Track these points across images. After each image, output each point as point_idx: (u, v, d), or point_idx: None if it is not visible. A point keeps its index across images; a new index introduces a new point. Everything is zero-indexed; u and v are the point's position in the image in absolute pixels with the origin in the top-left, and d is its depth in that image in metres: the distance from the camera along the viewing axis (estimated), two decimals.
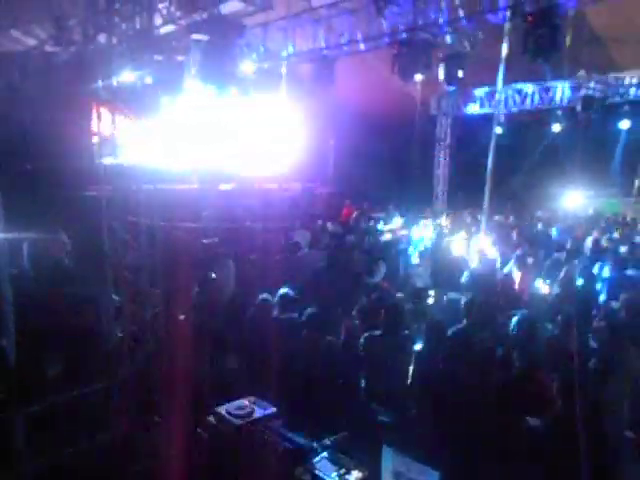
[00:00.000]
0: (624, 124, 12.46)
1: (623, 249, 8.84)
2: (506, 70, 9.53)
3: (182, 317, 4.68)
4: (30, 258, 5.18)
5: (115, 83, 4.59)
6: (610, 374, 3.76)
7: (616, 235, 10.84)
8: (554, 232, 11.19)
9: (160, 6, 6.28)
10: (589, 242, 9.54)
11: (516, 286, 6.89)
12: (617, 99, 12.14)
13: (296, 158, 11.70)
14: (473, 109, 15.02)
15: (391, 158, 14.83)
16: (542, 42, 5.73)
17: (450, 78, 7.37)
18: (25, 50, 9.14)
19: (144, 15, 5.17)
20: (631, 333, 4.65)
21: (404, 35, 7.05)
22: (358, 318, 5.21)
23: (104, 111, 4.55)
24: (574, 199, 14.67)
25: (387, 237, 10.13)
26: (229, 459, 3.26)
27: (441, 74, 7.53)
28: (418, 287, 7.49)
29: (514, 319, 4.66)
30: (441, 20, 6.82)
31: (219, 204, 9.39)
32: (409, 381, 4.43)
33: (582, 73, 11.32)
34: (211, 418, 3.46)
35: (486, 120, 13.33)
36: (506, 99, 13.66)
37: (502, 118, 13.12)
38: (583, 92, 11.54)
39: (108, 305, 4.56)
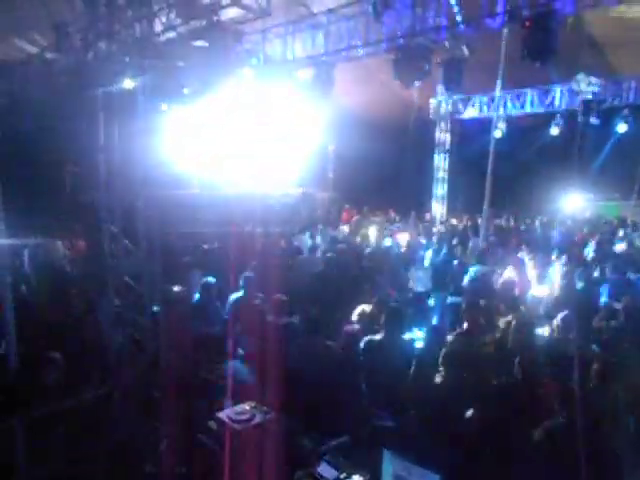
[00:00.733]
0: (622, 127, 12.50)
1: (622, 251, 8.85)
2: (504, 75, 9.57)
3: (181, 323, 4.69)
4: (31, 263, 5.21)
5: (115, 89, 4.62)
6: (611, 379, 3.73)
7: (617, 238, 10.86)
8: (554, 235, 11.22)
9: (159, 13, 6.33)
10: (590, 245, 9.55)
11: (516, 290, 6.89)
12: (616, 103, 12.20)
13: (296, 163, 11.72)
14: (472, 113, 15.06)
15: (390, 163, 14.88)
16: (539, 46, 5.78)
17: (449, 83, 7.40)
18: (26, 57, 9.20)
19: (144, 22, 5.22)
20: (631, 337, 4.66)
21: (402, 41, 7.08)
22: (358, 322, 5.21)
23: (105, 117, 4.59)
24: (574, 202, 14.68)
25: (387, 242, 10.15)
26: (230, 464, 3.26)
27: (439, 79, 7.56)
28: (418, 291, 7.52)
29: (513, 322, 4.66)
30: (439, 25, 6.85)
31: (219, 209, 9.41)
32: (409, 385, 4.42)
33: (581, 77, 11.35)
34: (212, 423, 3.47)
35: (485, 124, 13.39)
36: (505, 103, 13.70)
37: (501, 122, 13.18)
38: (582, 96, 11.58)
39: (108, 310, 4.57)
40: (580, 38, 8.64)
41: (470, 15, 6.72)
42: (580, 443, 3.12)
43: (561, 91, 12.88)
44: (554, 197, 14.91)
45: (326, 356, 4.46)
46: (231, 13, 6.59)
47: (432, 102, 15.53)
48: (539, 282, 7.28)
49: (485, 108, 14.61)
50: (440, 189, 16.13)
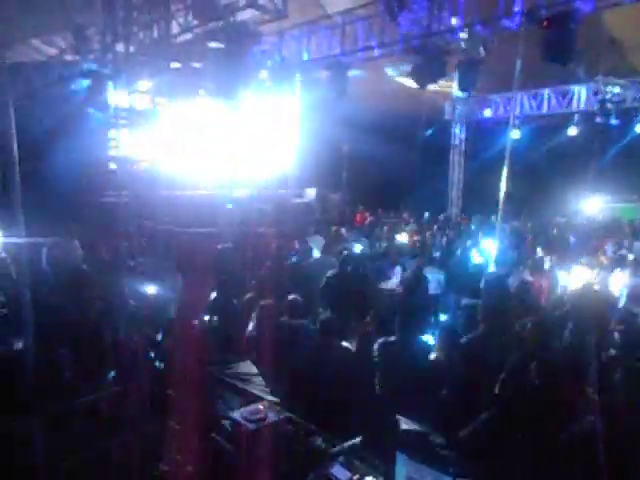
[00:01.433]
0: None
1: None
2: (522, 75, 9.47)
3: (196, 322, 4.71)
4: (49, 263, 5.26)
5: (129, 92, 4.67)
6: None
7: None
8: (571, 238, 11.07)
9: (177, 15, 6.39)
10: (607, 248, 9.41)
11: (533, 292, 6.81)
12: (635, 104, 12.02)
13: (310, 164, 11.72)
14: (488, 114, 14.93)
15: (405, 164, 14.81)
16: (558, 47, 5.71)
17: (464, 84, 7.34)
18: (45, 59, 9.33)
19: (161, 24, 5.27)
20: None
21: (418, 41, 7.05)
22: (372, 324, 5.19)
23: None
24: (591, 204, 14.48)
25: (401, 242, 10.11)
26: (244, 464, 3.27)
27: (455, 80, 7.51)
28: (432, 293, 7.46)
29: (529, 325, 4.60)
30: (455, 25, 6.81)
31: (233, 209, 9.45)
32: (424, 387, 4.39)
33: (600, 77, 11.20)
34: (225, 422, 3.48)
35: (501, 125, 13.26)
36: (522, 104, 13.56)
37: (517, 123, 13.04)
38: (600, 96, 11.42)
39: (124, 309, 4.62)
40: (600, 38, 8.52)
41: (487, 15, 6.67)
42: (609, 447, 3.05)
43: (579, 91, 12.72)
44: (571, 199, 14.73)
45: (340, 357, 4.45)
46: (247, 15, 6.63)
47: (448, 103, 15.44)
48: (556, 284, 7.18)
49: (501, 108, 14.48)
50: (455, 190, 16.03)
